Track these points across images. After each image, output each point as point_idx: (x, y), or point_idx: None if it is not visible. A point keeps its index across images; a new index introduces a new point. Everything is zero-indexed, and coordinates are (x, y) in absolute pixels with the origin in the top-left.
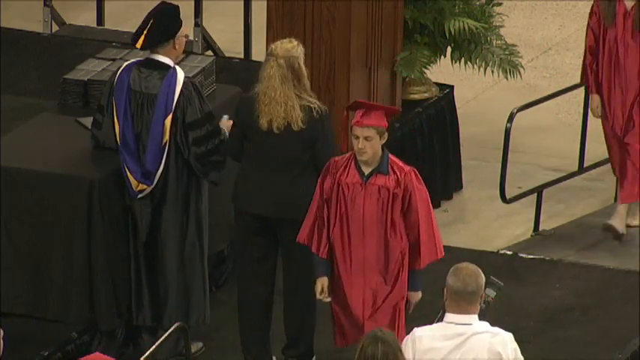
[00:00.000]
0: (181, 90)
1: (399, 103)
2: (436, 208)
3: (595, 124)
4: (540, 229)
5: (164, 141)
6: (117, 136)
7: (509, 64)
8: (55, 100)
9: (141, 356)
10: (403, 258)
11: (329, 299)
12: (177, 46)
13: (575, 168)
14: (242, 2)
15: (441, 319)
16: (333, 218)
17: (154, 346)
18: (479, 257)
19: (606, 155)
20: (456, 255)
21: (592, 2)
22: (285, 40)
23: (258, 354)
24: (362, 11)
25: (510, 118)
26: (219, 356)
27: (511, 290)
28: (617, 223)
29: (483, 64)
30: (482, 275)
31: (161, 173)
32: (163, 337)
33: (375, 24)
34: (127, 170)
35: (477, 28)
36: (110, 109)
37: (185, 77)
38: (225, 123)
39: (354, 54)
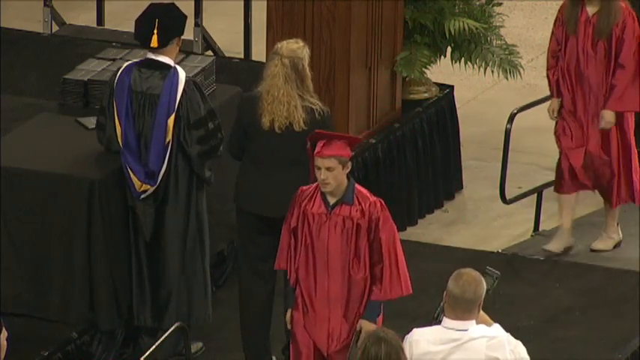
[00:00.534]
0: (184, 89)
1: (399, 103)
2: (438, 208)
3: None
4: (540, 229)
5: (167, 141)
6: (119, 138)
7: (509, 64)
8: (55, 100)
9: (141, 356)
10: (368, 291)
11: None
12: (179, 46)
13: None
14: (242, 2)
15: (439, 317)
16: (299, 248)
17: (154, 346)
18: (479, 257)
19: None
20: (456, 255)
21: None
22: (291, 41)
23: (258, 354)
24: (362, 11)
25: (510, 119)
26: (219, 356)
27: (511, 290)
28: (555, 245)
29: (483, 64)
30: (484, 283)
31: (164, 173)
32: (163, 337)
33: (375, 24)
34: (129, 171)
35: (476, 28)
36: (111, 110)
37: (187, 76)
38: None
39: (354, 54)
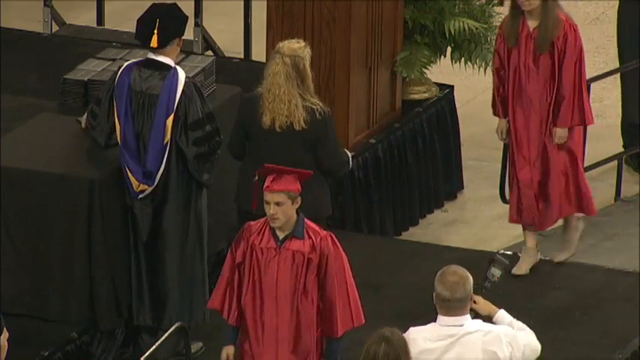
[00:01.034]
0: (183, 90)
1: (399, 103)
2: (438, 208)
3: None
4: None
5: (165, 141)
6: (118, 137)
7: None
8: (55, 100)
9: (141, 356)
10: (317, 328)
11: None
12: (179, 46)
13: None
14: (242, 2)
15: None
16: (245, 284)
17: (154, 347)
18: (479, 257)
19: (606, 155)
20: (456, 255)
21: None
22: (293, 40)
23: None
24: (362, 11)
25: None
26: (219, 356)
27: (511, 290)
28: (522, 268)
29: (483, 64)
30: (470, 278)
31: (162, 173)
32: (163, 337)
33: (375, 24)
34: (127, 171)
35: (476, 28)
36: (109, 108)
37: (186, 77)
38: None
39: (354, 54)
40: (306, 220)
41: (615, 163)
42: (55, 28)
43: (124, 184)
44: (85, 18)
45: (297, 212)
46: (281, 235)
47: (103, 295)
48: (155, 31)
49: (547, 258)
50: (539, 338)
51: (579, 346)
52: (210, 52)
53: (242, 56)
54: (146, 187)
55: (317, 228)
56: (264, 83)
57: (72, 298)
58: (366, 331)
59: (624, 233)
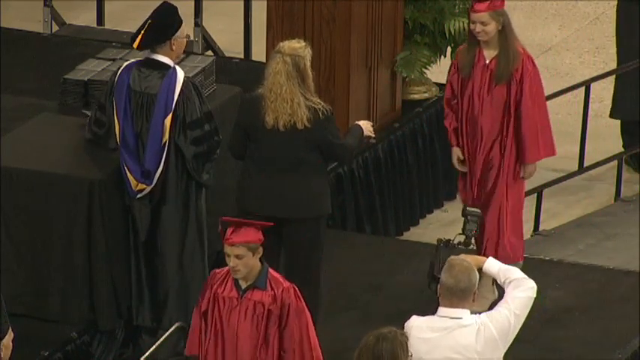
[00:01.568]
0: (181, 89)
1: (399, 103)
2: (438, 208)
3: (595, 125)
4: (540, 229)
5: (164, 140)
6: (117, 136)
7: None
8: (55, 100)
9: (141, 356)
10: None
11: None
12: (174, 47)
13: (575, 168)
14: (242, 2)
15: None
16: (208, 333)
17: (154, 347)
18: None
19: (606, 155)
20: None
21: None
22: (293, 40)
23: None
24: (362, 11)
25: None
26: None
27: None
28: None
29: None
30: (476, 271)
31: (160, 173)
32: (163, 337)
33: (375, 24)
34: (126, 170)
35: None
36: (110, 108)
37: (185, 77)
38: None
39: (354, 54)
40: (270, 270)
41: (615, 163)
42: (55, 28)
43: (124, 185)
44: (85, 18)
45: (262, 262)
46: (243, 285)
47: (103, 295)
48: (142, 32)
49: (547, 258)
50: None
51: (579, 346)
52: (210, 52)
53: (242, 56)
54: (144, 186)
55: (280, 279)
56: (266, 83)
57: (72, 298)
58: (367, 331)
59: (624, 233)
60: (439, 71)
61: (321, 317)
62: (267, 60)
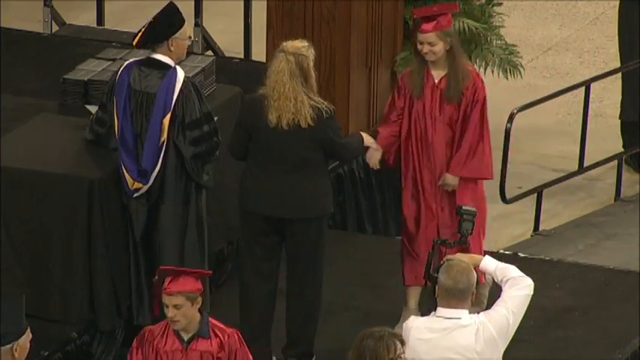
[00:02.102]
0: (181, 89)
1: None
2: None
3: (595, 125)
4: (540, 229)
5: (162, 140)
6: (116, 134)
7: (509, 64)
8: (55, 100)
9: None
10: None
11: None
12: (173, 48)
13: (575, 168)
14: (242, 2)
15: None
16: None
17: None
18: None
19: (606, 155)
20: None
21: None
22: (297, 40)
23: (258, 354)
24: (362, 11)
25: (510, 118)
26: None
27: None
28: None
29: (483, 64)
30: (474, 271)
31: (158, 172)
32: None
33: (375, 24)
34: (123, 168)
35: (476, 28)
36: (111, 107)
37: (185, 77)
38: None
39: (354, 54)
40: (210, 318)
41: (615, 163)
42: (55, 28)
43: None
44: (85, 18)
45: (200, 311)
46: (186, 337)
47: (103, 295)
48: (142, 30)
49: (547, 258)
50: (539, 338)
51: (579, 346)
52: (210, 52)
53: (242, 56)
54: (141, 185)
55: (222, 326)
56: (268, 82)
57: (72, 298)
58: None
59: (624, 233)
60: None
61: (320, 317)
62: (267, 60)
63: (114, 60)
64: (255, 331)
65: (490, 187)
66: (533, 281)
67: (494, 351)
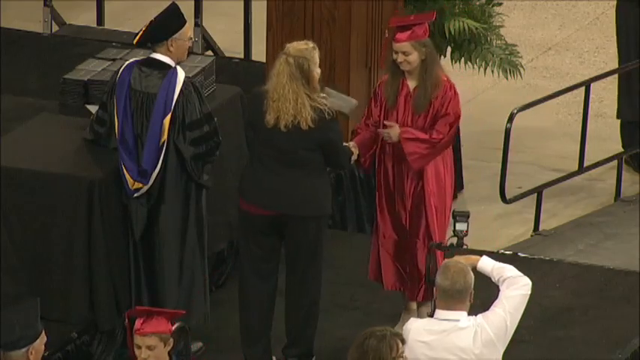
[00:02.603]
0: (181, 89)
1: None
2: None
3: (595, 125)
4: (540, 229)
5: (162, 140)
6: (116, 134)
7: (509, 64)
8: (55, 100)
9: None
10: None
11: None
12: (172, 48)
13: (575, 168)
14: (242, 2)
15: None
16: None
17: None
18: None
19: (606, 155)
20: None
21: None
22: (301, 42)
23: (258, 354)
24: (362, 11)
25: (510, 118)
26: (219, 356)
27: None
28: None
29: (483, 64)
30: (471, 272)
31: (158, 173)
32: None
33: (375, 24)
34: (123, 168)
35: (476, 28)
36: (111, 107)
37: (185, 77)
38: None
39: (354, 54)
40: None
41: (615, 163)
42: (55, 28)
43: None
44: (85, 18)
45: (170, 355)
46: None
47: (103, 295)
48: (143, 29)
49: (547, 258)
50: (539, 338)
51: (579, 346)
52: (210, 52)
53: (242, 56)
54: (141, 185)
55: None
56: (270, 83)
57: (72, 298)
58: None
59: (624, 233)
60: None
61: (320, 317)
62: (267, 60)
63: (114, 60)
64: (254, 331)
65: (490, 187)
66: (534, 281)
67: (493, 353)
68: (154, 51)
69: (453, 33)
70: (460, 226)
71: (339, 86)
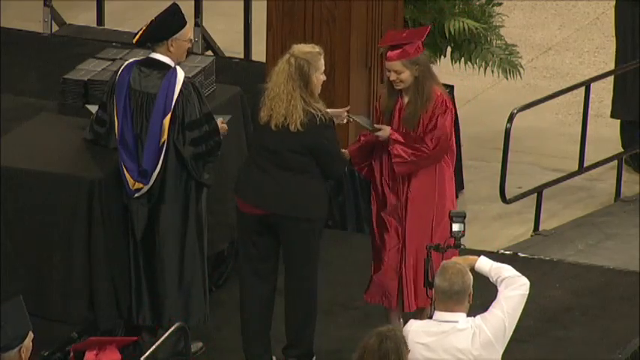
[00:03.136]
0: (181, 89)
1: None
2: None
3: (595, 125)
4: (540, 229)
5: (162, 140)
6: (116, 134)
7: (509, 64)
8: (55, 100)
9: (141, 356)
10: None
11: None
12: (172, 49)
13: (575, 168)
14: (242, 2)
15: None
16: None
17: (154, 346)
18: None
19: (606, 155)
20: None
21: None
22: (309, 45)
23: (258, 354)
24: (362, 11)
25: (510, 118)
26: (219, 356)
27: None
28: None
29: (483, 64)
30: (469, 273)
31: (158, 173)
32: (163, 337)
33: (375, 24)
34: (124, 168)
35: (476, 28)
36: (111, 107)
37: (185, 77)
38: (221, 125)
39: (354, 54)
40: None
41: (615, 163)
42: (55, 28)
43: (123, 184)
44: (85, 18)
45: None
46: None
47: (103, 295)
48: (143, 28)
49: (547, 258)
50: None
51: (579, 346)
52: (210, 52)
53: (242, 56)
54: (141, 185)
55: None
56: (269, 81)
57: (72, 298)
58: (367, 331)
59: (624, 233)
60: (439, 71)
61: (320, 317)
62: (267, 60)
63: (114, 60)
64: (254, 331)
65: (490, 187)
66: (533, 281)
67: (492, 354)
68: (154, 51)
69: (452, 33)
70: (457, 227)
71: (339, 86)
